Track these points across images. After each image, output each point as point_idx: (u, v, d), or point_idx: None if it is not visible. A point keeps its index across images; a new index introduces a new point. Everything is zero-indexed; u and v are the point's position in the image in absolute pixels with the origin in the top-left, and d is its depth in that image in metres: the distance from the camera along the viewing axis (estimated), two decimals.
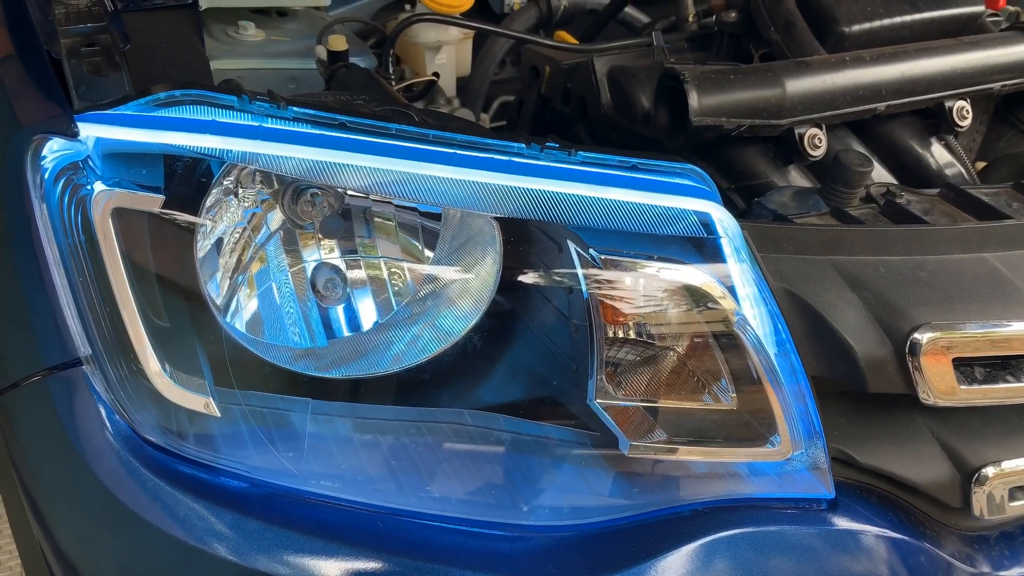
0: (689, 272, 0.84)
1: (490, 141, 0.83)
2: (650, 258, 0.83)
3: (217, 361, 0.83)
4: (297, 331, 0.85)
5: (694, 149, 1.23)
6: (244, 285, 0.85)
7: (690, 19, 1.47)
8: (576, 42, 1.54)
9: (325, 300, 0.85)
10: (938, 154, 1.27)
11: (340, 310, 0.86)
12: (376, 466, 0.86)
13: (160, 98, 0.81)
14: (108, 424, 0.82)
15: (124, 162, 0.81)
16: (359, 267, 0.85)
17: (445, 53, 1.59)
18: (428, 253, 0.86)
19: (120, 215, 0.81)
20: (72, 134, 0.81)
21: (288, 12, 1.65)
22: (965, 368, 0.89)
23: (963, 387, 0.88)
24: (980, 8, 1.35)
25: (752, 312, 0.84)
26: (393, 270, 0.85)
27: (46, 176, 0.82)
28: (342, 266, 0.85)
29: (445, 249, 0.86)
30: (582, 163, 0.83)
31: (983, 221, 0.98)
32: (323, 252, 0.85)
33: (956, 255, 0.92)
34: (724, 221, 0.84)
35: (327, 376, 0.86)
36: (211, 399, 0.83)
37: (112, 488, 0.81)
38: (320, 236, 0.85)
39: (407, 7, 1.80)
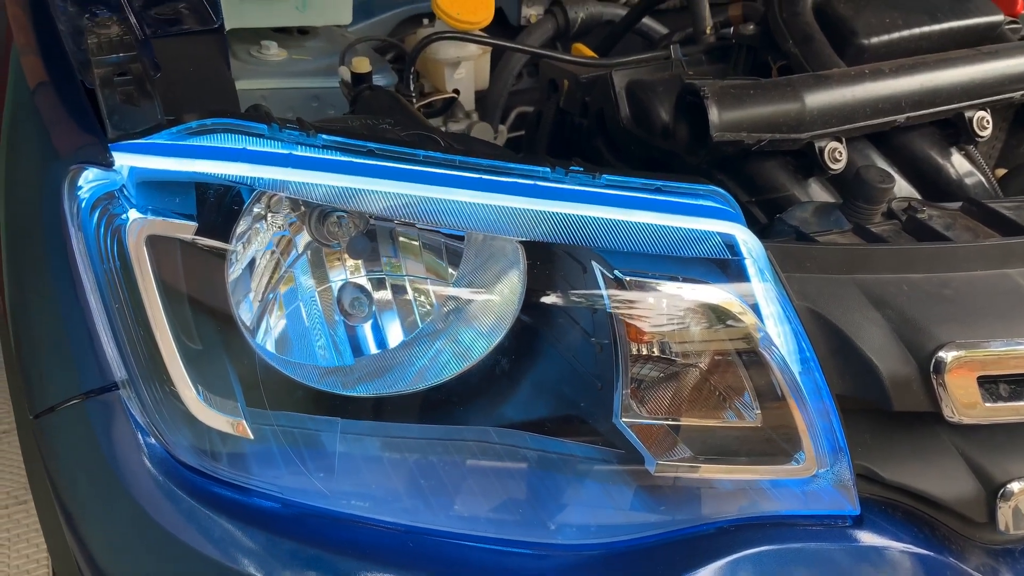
0: (714, 292, 0.84)
1: (515, 165, 0.83)
2: (675, 279, 0.84)
3: (249, 382, 0.84)
4: (324, 349, 0.86)
5: (714, 163, 1.24)
6: (273, 306, 0.86)
7: (708, 31, 1.48)
8: (593, 54, 1.55)
9: (351, 319, 0.87)
10: (958, 164, 1.27)
11: (367, 328, 0.87)
12: (405, 485, 0.87)
13: (192, 127, 0.82)
14: (144, 447, 0.84)
15: (157, 190, 0.82)
16: (384, 286, 0.86)
17: (464, 68, 1.60)
18: (453, 272, 0.86)
19: (154, 242, 0.82)
20: (107, 164, 0.83)
21: (309, 30, 1.66)
22: (990, 385, 0.89)
23: (988, 404, 0.88)
24: (999, 17, 1.35)
25: (776, 331, 0.85)
26: (418, 289, 0.86)
27: (83, 205, 0.83)
28: (368, 285, 0.86)
29: (469, 268, 0.86)
30: (607, 186, 0.84)
31: (1006, 237, 0.98)
32: (349, 272, 0.86)
33: (979, 272, 0.92)
34: (748, 242, 0.85)
35: (354, 394, 0.87)
36: (243, 420, 0.84)
37: (148, 509, 0.83)
38: (346, 256, 0.86)
39: (425, 22, 1.81)
